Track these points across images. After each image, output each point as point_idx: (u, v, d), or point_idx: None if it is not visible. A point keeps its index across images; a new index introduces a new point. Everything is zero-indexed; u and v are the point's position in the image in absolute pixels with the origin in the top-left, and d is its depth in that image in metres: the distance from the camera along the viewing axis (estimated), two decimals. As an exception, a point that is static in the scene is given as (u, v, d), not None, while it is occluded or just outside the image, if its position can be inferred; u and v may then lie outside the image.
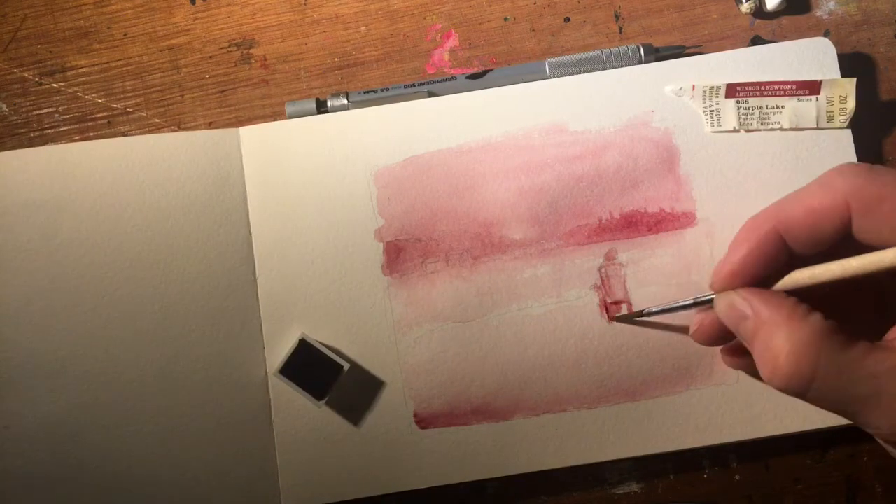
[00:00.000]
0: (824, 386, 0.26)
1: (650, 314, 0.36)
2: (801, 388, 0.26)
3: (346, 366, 0.36)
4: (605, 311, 0.37)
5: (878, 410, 0.25)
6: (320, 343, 0.36)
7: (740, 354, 0.34)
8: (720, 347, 0.35)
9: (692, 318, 0.37)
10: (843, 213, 0.28)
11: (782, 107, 0.37)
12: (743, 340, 0.29)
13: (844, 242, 0.28)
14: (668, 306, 0.35)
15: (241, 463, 0.36)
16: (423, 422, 0.37)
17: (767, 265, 0.29)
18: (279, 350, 0.37)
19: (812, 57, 0.38)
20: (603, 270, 0.37)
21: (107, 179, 0.37)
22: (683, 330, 0.37)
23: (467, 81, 0.39)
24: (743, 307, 0.29)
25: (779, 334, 0.27)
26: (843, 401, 0.26)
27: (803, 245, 0.29)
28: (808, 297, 0.28)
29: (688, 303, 0.34)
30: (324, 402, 0.35)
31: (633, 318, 0.37)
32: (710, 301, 0.32)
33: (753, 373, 0.34)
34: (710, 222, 0.37)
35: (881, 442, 0.28)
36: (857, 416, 0.26)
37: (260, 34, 0.41)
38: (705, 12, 0.41)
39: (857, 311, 0.29)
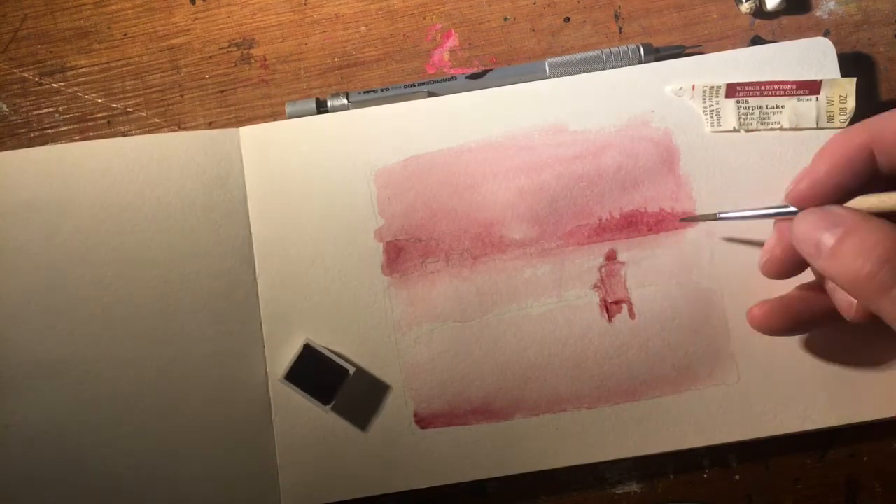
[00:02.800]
0: None
1: (723, 219, 0.35)
2: (888, 285, 0.26)
3: (352, 370, 0.36)
4: (605, 311, 0.37)
5: None
6: (325, 347, 0.36)
7: (776, 310, 0.34)
8: (751, 308, 0.35)
9: (694, 316, 0.37)
10: None
11: (782, 107, 0.37)
12: (819, 256, 0.28)
13: None
14: (744, 213, 0.34)
15: (241, 463, 0.36)
16: (423, 421, 0.37)
17: (854, 181, 0.29)
18: (280, 350, 0.37)
19: (812, 57, 0.38)
20: (603, 270, 0.37)
21: (107, 179, 0.37)
22: (684, 330, 0.37)
23: (467, 81, 0.39)
24: (832, 217, 0.28)
25: (873, 233, 0.26)
26: None
27: (894, 163, 0.28)
28: None
29: (765, 212, 0.33)
30: (330, 406, 0.35)
31: (703, 219, 0.36)
32: (790, 214, 0.32)
33: (785, 328, 0.34)
34: (711, 222, 0.37)
35: None
36: None
37: (260, 34, 0.41)
38: (705, 12, 0.41)
39: None
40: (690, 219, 0.37)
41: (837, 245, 0.28)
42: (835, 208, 0.29)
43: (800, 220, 0.29)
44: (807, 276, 0.34)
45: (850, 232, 0.27)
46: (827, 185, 0.29)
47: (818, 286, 0.34)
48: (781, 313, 0.34)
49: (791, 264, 0.33)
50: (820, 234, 0.28)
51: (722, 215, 0.35)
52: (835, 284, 0.31)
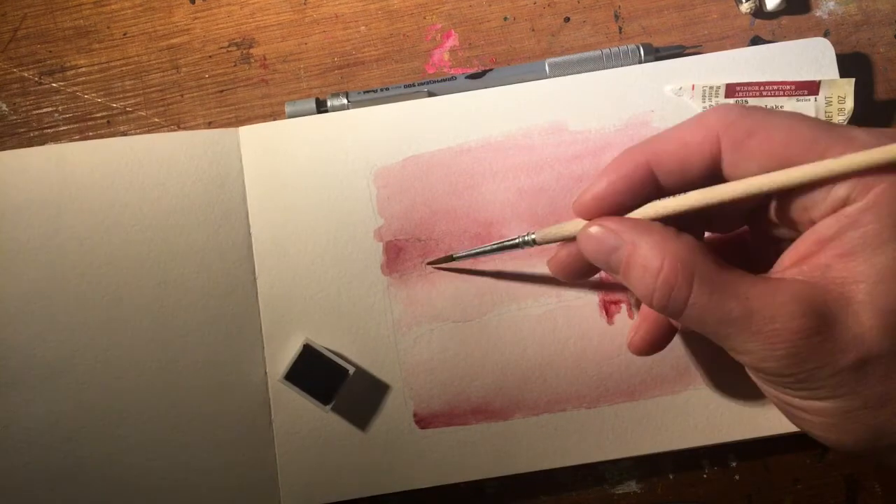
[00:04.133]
0: (699, 302, 0.26)
1: (460, 258, 0.36)
2: (680, 303, 0.26)
3: (352, 369, 0.36)
4: (604, 311, 0.37)
5: (747, 332, 0.25)
6: (325, 347, 0.36)
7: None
8: (629, 342, 0.34)
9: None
10: (714, 147, 0.27)
11: (781, 106, 0.37)
12: (612, 272, 0.29)
13: (713, 181, 0.28)
14: (480, 249, 0.35)
15: (241, 463, 0.36)
16: (422, 421, 0.37)
17: (633, 195, 0.29)
18: (279, 350, 0.37)
19: (811, 57, 0.38)
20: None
21: (107, 179, 0.37)
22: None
23: (467, 81, 0.39)
24: (610, 238, 0.28)
25: (654, 252, 0.27)
26: (717, 320, 0.26)
27: (673, 179, 0.29)
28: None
29: (499, 246, 0.34)
30: (330, 406, 0.35)
31: (445, 261, 0.37)
32: (525, 245, 0.33)
33: (666, 341, 0.33)
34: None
35: (751, 373, 0.28)
36: (729, 340, 0.26)
37: (260, 34, 0.41)
38: (705, 12, 0.41)
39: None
40: (433, 262, 0.37)
41: (625, 270, 0.28)
42: (613, 225, 0.28)
43: (583, 239, 0.29)
44: None
45: (632, 256, 0.27)
46: (607, 199, 0.29)
47: None
48: (656, 331, 0.33)
49: (579, 269, 0.32)
50: (607, 255, 0.28)
51: (457, 255, 0.36)
52: None
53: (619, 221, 0.28)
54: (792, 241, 0.27)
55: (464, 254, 0.36)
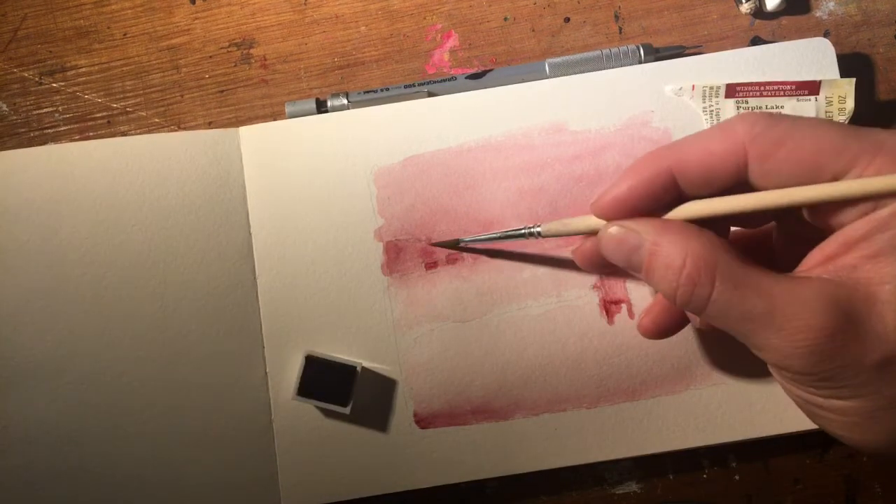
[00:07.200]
0: (722, 298, 0.26)
1: (467, 243, 0.37)
2: (703, 298, 0.26)
3: (360, 366, 0.36)
4: (604, 311, 0.37)
5: (770, 328, 0.25)
6: (325, 354, 0.36)
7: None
8: (640, 322, 0.34)
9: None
10: (740, 159, 0.27)
11: (782, 107, 0.37)
12: (633, 271, 0.29)
13: (737, 190, 0.28)
14: (486, 236, 0.36)
15: (241, 463, 0.36)
16: (422, 421, 0.37)
17: (653, 200, 0.29)
18: (279, 350, 0.37)
19: (811, 57, 0.38)
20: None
21: (107, 179, 0.37)
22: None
23: (467, 81, 0.39)
24: (631, 238, 0.28)
25: (676, 250, 0.27)
26: (740, 316, 0.26)
27: (695, 187, 0.28)
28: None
29: (506, 235, 0.35)
30: (349, 407, 0.35)
31: (452, 245, 0.37)
32: (535, 234, 0.34)
33: (675, 326, 0.33)
34: None
35: (774, 371, 0.28)
36: (752, 336, 0.26)
37: (260, 34, 0.41)
38: (705, 12, 0.41)
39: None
40: (438, 244, 0.37)
41: (647, 269, 0.28)
42: (634, 225, 0.28)
43: (604, 240, 0.29)
44: None
45: (654, 255, 0.27)
46: (628, 203, 0.29)
47: None
48: (668, 317, 0.33)
49: (602, 260, 0.32)
50: (628, 255, 0.28)
51: (465, 240, 0.37)
52: None
53: (640, 221, 0.28)
54: (818, 241, 0.27)
55: (470, 239, 0.37)
